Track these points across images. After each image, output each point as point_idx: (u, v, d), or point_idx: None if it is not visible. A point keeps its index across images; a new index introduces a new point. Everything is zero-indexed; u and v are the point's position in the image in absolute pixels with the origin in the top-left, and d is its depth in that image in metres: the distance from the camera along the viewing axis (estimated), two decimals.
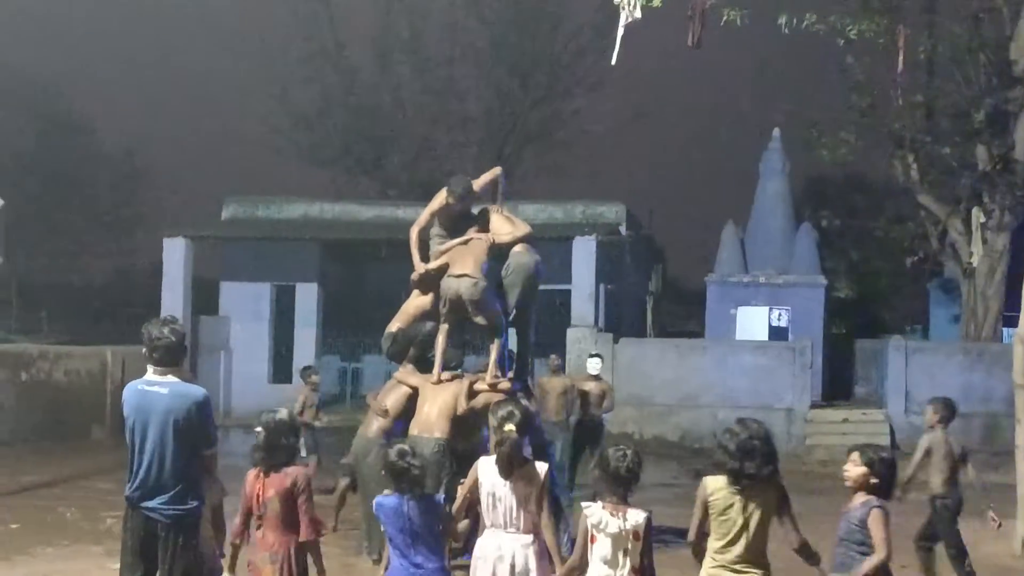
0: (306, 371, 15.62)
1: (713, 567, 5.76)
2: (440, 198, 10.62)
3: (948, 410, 10.19)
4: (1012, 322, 25.06)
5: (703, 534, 5.82)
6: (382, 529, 6.14)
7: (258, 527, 6.09)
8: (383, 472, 6.18)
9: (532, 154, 43.10)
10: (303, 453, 14.26)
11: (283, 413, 6.14)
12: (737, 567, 5.71)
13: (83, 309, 34.33)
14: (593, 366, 15.35)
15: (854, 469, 6.09)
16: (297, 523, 6.09)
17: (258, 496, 6.02)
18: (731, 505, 5.70)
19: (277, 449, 6.02)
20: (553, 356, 15.63)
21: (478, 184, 10.88)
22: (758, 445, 5.71)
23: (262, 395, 24.42)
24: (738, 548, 5.71)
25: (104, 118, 45.91)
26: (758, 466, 5.67)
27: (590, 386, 15.15)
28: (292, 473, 6.15)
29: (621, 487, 5.74)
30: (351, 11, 40.11)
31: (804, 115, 26.98)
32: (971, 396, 22.28)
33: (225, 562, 6.29)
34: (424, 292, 10.67)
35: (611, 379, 17.61)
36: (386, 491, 6.20)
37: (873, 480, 6.02)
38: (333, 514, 12.17)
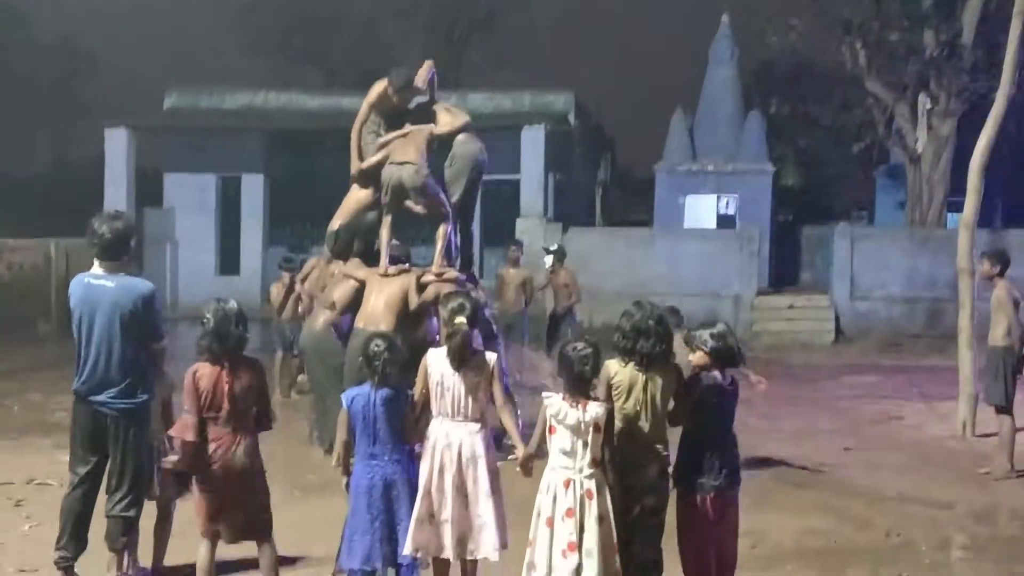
0: (282, 264, 14.99)
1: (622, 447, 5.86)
2: (378, 89, 10.45)
3: (1006, 259, 10.31)
4: (957, 207, 25.18)
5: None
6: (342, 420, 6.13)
7: (225, 421, 5.96)
8: (361, 361, 6.16)
9: (480, 42, 42.65)
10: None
11: (233, 303, 6.05)
12: (643, 444, 5.84)
13: (24, 202, 33.71)
14: (546, 262, 15.29)
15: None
16: (248, 417, 6.03)
17: (229, 389, 5.90)
18: (633, 384, 5.82)
19: (227, 337, 5.92)
20: (513, 247, 15.47)
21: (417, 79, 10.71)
22: (652, 325, 5.81)
23: (209, 287, 24.22)
24: (643, 425, 5.82)
25: (41, 6, 44.59)
26: (652, 345, 5.79)
27: (555, 278, 15.12)
28: (253, 364, 6.07)
29: (583, 385, 5.77)
30: None
31: (754, 1, 26.78)
32: (916, 282, 22.64)
33: (179, 463, 6.17)
34: (364, 187, 10.55)
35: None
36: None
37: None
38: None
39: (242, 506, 6.02)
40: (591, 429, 5.73)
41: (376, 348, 6.03)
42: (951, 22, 24.26)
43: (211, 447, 5.92)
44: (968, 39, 24.10)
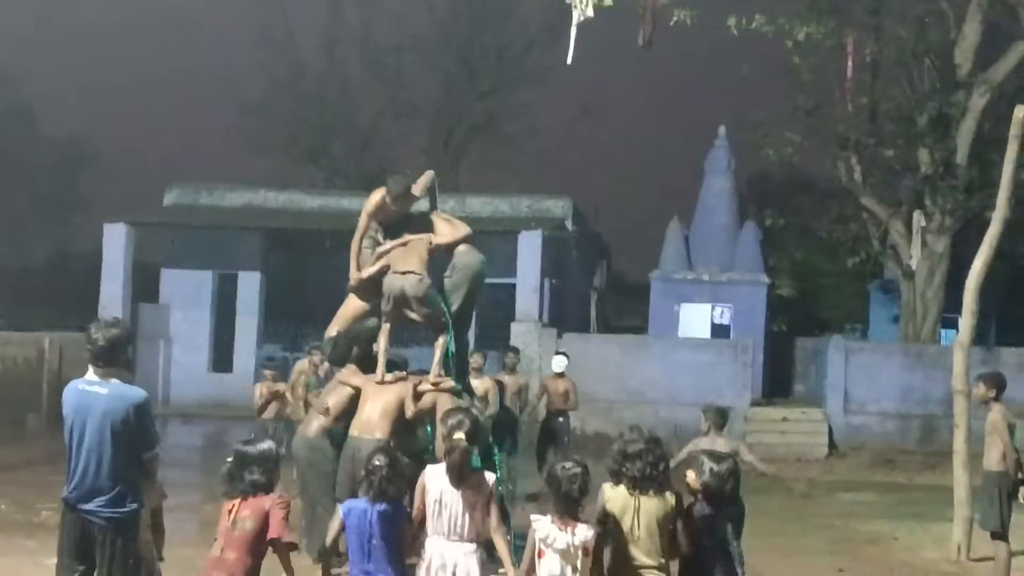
0: (264, 364, 15.04)
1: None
2: (376, 198, 10.49)
3: (1001, 383, 10.32)
4: (951, 324, 25.51)
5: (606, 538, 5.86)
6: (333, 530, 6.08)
7: (219, 542, 5.97)
8: (361, 474, 6.13)
9: (479, 146, 43.07)
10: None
11: (264, 446, 6.02)
12: (637, 569, 5.78)
13: (21, 294, 33.79)
14: (558, 364, 15.26)
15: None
16: (261, 548, 6.00)
17: (230, 512, 5.91)
18: (625, 508, 5.77)
19: (240, 482, 5.92)
20: (509, 353, 15.34)
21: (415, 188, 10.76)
22: (640, 449, 5.79)
23: (202, 384, 24.26)
24: (634, 550, 5.77)
25: (48, 102, 45.22)
26: (641, 469, 5.76)
27: (555, 384, 15.11)
28: (270, 499, 6.05)
29: (571, 506, 5.74)
30: None
31: (750, 114, 27.14)
32: (909, 397, 22.61)
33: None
34: (362, 297, 10.57)
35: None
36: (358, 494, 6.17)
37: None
38: None
39: None
40: (580, 553, 5.67)
41: (378, 463, 6.00)
42: (946, 141, 24.59)
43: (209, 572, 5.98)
44: (962, 158, 24.41)
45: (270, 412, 14.18)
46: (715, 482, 5.92)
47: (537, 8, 38.73)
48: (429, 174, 11.03)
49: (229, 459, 5.96)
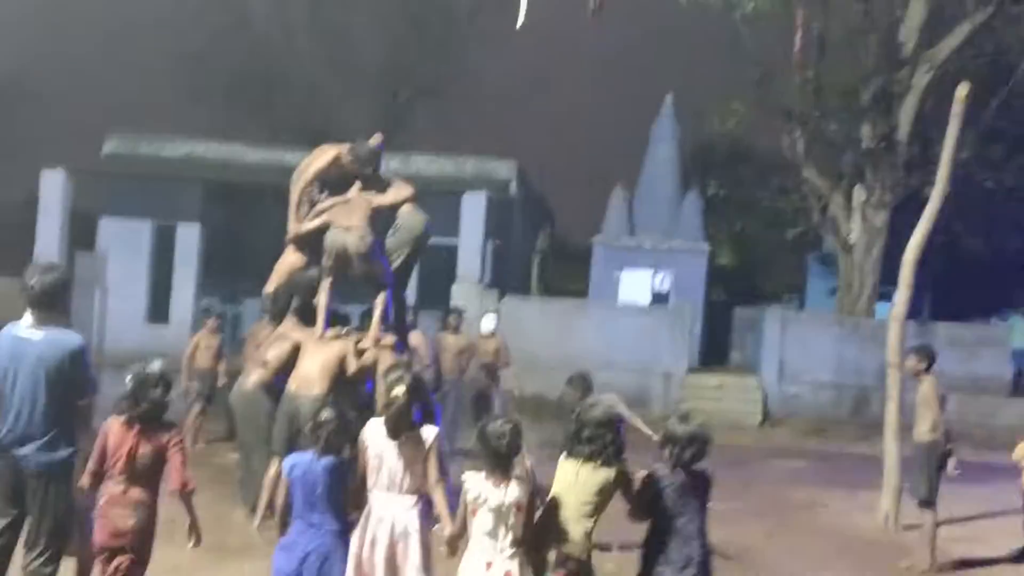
0: (205, 312, 15.44)
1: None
2: (330, 155, 10.40)
3: (932, 355, 10.48)
4: (887, 297, 25.80)
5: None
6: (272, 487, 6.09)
7: (119, 479, 5.93)
8: (308, 428, 6.11)
9: (425, 106, 42.79)
10: (185, 402, 14.17)
11: (156, 365, 5.99)
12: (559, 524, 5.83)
13: None
14: (487, 323, 15.19)
15: None
16: (159, 477, 5.98)
17: (130, 450, 5.86)
18: (567, 471, 5.83)
19: (143, 400, 5.88)
20: (453, 315, 15.25)
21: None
22: (592, 420, 5.85)
23: (138, 334, 24.00)
24: (564, 509, 5.82)
25: None
26: (597, 447, 5.81)
27: (485, 344, 15.09)
28: (168, 430, 6.03)
29: (502, 462, 5.74)
30: None
31: (697, 84, 27.24)
32: (843, 369, 22.92)
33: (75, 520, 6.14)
34: (299, 250, 10.50)
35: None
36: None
37: None
38: (208, 462, 12.03)
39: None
40: (512, 510, 5.69)
41: (325, 416, 5.99)
42: (888, 117, 24.80)
43: (100, 501, 5.92)
44: (904, 135, 24.65)
45: (204, 363, 14.33)
46: (674, 445, 5.94)
47: None
48: (379, 136, 10.96)
49: (128, 379, 5.89)
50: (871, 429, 18.60)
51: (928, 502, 10.42)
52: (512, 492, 5.69)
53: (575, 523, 5.80)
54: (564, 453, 5.91)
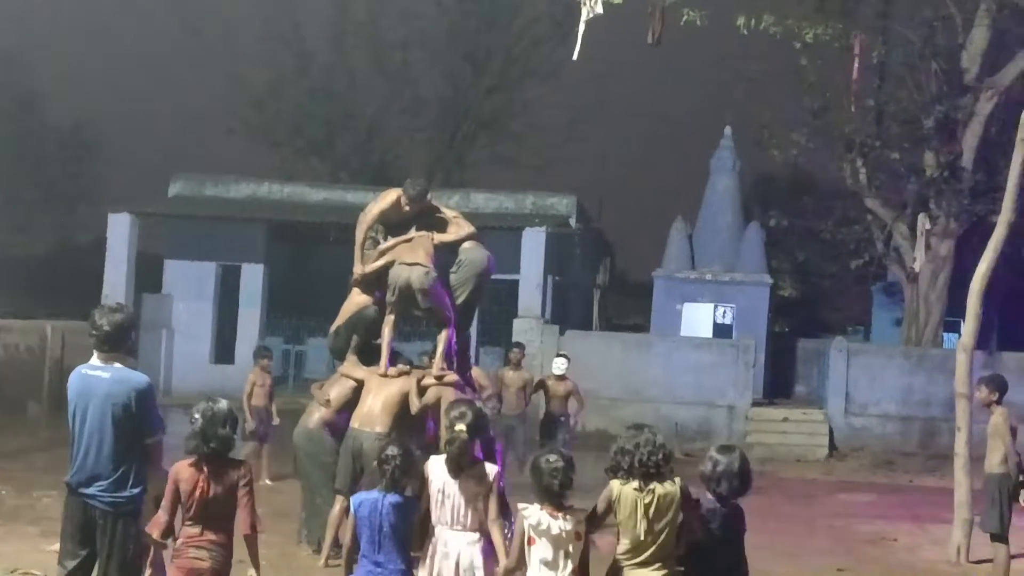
0: (259, 352, 15.63)
1: (621, 567, 5.73)
2: (391, 198, 10.49)
3: (1004, 386, 10.35)
4: (953, 328, 25.50)
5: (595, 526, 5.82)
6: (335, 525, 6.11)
7: (194, 521, 5.94)
8: (375, 464, 6.14)
9: (484, 142, 43.05)
10: (241, 440, 14.29)
11: (223, 404, 6.04)
12: (642, 568, 5.69)
13: (24, 283, 33.78)
14: (558, 366, 14.96)
15: None
16: (233, 517, 6.00)
17: (202, 493, 5.89)
18: (635, 504, 5.66)
19: (212, 438, 5.91)
20: (515, 349, 15.26)
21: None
22: (641, 441, 5.68)
23: (204, 375, 24.26)
24: (646, 544, 5.67)
25: (52, 90, 45.11)
26: (643, 462, 5.64)
27: (556, 386, 14.88)
28: (238, 468, 6.07)
29: (555, 498, 5.72)
30: None
31: (757, 115, 27.12)
32: (910, 400, 22.62)
33: (146, 560, 6.15)
34: (364, 291, 10.57)
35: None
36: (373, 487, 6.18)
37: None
38: (271, 500, 12.07)
39: None
40: (572, 538, 5.67)
41: (390, 453, 6.01)
42: (952, 145, 24.56)
43: (178, 543, 5.91)
44: (968, 162, 24.38)
45: (258, 401, 14.48)
46: (713, 474, 5.88)
47: (545, 4, 38.72)
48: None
49: (196, 416, 5.93)
50: (940, 461, 18.33)
51: (1000, 536, 10.24)
52: (570, 521, 5.68)
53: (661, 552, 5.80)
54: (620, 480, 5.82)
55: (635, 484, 5.68)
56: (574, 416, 15.13)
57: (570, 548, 5.68)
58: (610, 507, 5.74)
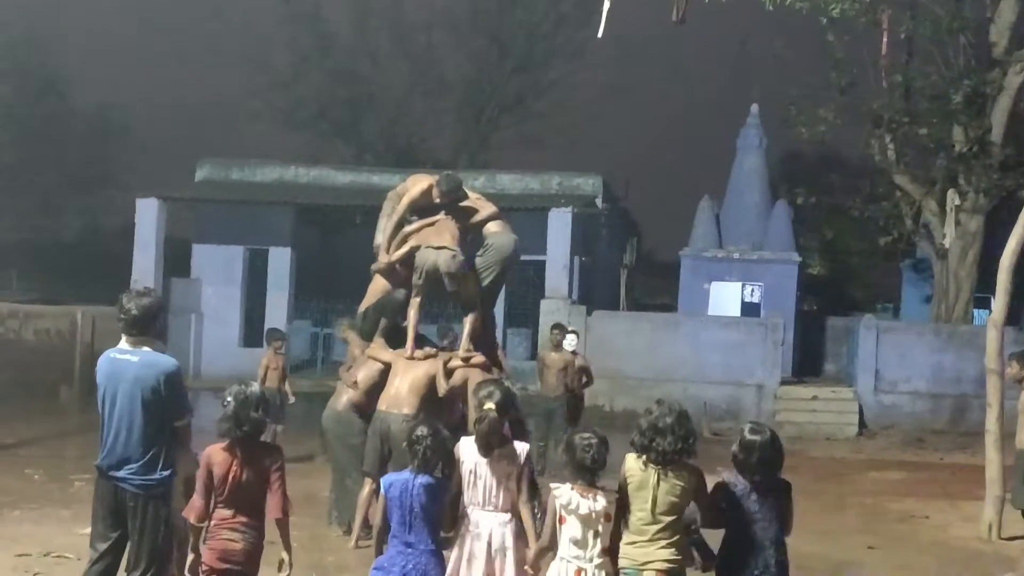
0: (271, 334, 15.64)
1: (628, 543, 5.77)
2: (423, 187, 10.46)
3: None
4: (983, 304, 25.33)
5: (624, 509, 5.83)
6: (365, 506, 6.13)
7: (223, 505, 5.97)
8: (404, 446, 6.15)
9: (509, 123, 43.03)
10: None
11: (255, 387, 6.06)
12: (651, 544, 5.72)
13: (53, 268, 34.01)
14: (569, 342, 14.77)
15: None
16: (264, 500, 6.01)
17: (235, 476, 5.91)
18: (645, 482, 5.70)
19: (245, 421, 5.92)
20: (555, 330, 14.93)
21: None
22: (670, 423, 5.70)
23: (233, 359, 24.34)
24: (653, 526, 5.71)
25: (78, 74, 45.21)
26: (669, 444, 5.66)
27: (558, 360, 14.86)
28: (270, 452, 6.09)
29: (587, 474, 5.78)
30: None
31: (783, 92, 26.96)
32: (941, 377, 22.49)
33: (187, 547, 6.18)
34: (386, 278, 10.57)
35: (584, 351, 17.42)
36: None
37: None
38: (299, 482, 12.11)
39: None
40: (602, 518, 5.73)
41: (420, 433, 6.02)
42: (981, 119, 24.33)
43: (211, 525, 5.93)
44: (997, 136, 24.16)
45: (271, 382, 14.51)
46: (742, 453, 5.88)
47: None
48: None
49: (229, 399, 5.94)
50: (971, 438, 18.21)
51: None
52: (601, 500, 5.73)
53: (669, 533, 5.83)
54: (636, 456, 5.85)
55: (650, 462, 5.71)
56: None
57: (599, 528, 5.73)
58: (625, 480, 5.78)
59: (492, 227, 10.44)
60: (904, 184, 26.04)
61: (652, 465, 5.71)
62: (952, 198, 24.85)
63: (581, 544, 5.71)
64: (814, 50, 25.76)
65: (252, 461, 5.94)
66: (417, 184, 10.53)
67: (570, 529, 5.74)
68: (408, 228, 10.38)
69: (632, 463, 5.78)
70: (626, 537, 5.79)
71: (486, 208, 10.57)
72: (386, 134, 41.86)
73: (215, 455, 5.93)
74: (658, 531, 5.71)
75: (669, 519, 5.73)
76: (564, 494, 5.75)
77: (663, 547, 5.71)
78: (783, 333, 23.97)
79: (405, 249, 10.24)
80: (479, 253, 10.40)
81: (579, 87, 42.16)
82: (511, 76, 41.78)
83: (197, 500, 5.94)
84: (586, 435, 5.85)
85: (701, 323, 24.99)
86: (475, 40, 41.50)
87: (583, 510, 5.69)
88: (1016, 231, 12.40)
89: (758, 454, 5.84)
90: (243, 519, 5.95)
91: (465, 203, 10.53)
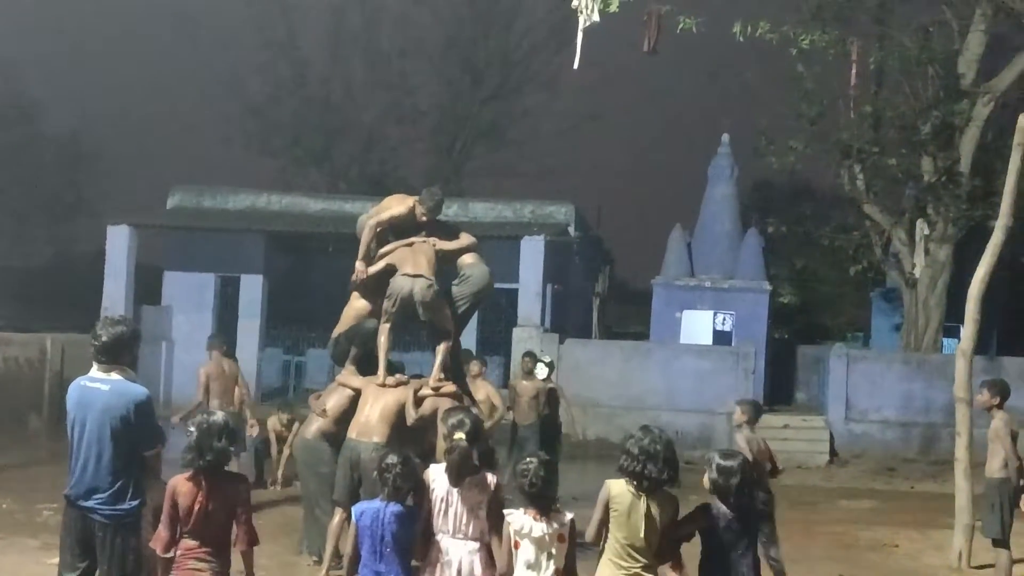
0: (210, 341, 14.62)
1: (611, 567, 5.79)
2: (406, 204, 10.49)
3: (1005, 390, 10.31)
4: (953, 333, 25.48)
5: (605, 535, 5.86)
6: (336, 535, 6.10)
7: (187, 535, 5.91)
8: (375, 475, 6.15)
9: (482, 151, 43.10)
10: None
11: (219, 416, 6.01)
12: (638, 570, 5.77)
13: (23, 295, 33.74)
14: (540, 372, 14.79)
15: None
16: (231, 529, 5.97)
17: (201, 507, 5.86)
18: (633, 508, 5.75)
19: (208, 451, 5.87)
20: (526, 358, 15.01)
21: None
22: (660, 450, 5.76)
23: None
24: (641, 551, 5.76)
25: (49, 101, 45.18)
26: (659, 470, 5.73)
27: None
28: (235, 482, 6.05)
29: (534, 500, 5.84)
30: (304, 1, 39.95)
31: (754, 122, 27.16)
32: (911, 406, 22.62)
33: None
34: (363, 295, 10.55)
35: (556, 380, 17.40)
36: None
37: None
38: (271, 511, 12.06)
39: None
40: (555, 540, 5.77)
41: (390, 462, 6.01)
42: (949, 150, 24.59)
43: (177, 555, 5.87)
44: (966, 167, 24.41)
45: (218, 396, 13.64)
46: (720, 479, 5.91)
47: (542, 13, 38.82)
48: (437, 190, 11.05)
49: (192, 429, 5.89)
50: (941, 467, 18.33)
51: (1002, 540, 10.23)
52: (555, 522, 5.79)
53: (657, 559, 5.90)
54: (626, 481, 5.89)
55: (633, 486, 5.76)
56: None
57: (553, 550, 5.78)
58: (607, 506, 5.80)
59: (468, 259, 10.46)
60: (873, 214, 26.24)
61: (639, 491, 5.75)
62: (921, 228, 25.08)
63: (535, 567, 5.77)
64: (784, 81, 25.94)
65: (218, 491, 5.89)
66: (401, 203, 10.56)
67: (524, 553, 5.79)
68: (385, 248, 10.39)
69: (620, 488, 5.80)
70: (608, 563, 5.80)
71: (465, 238, 10.60)
72: (359, 161, 41.85)
73: (180, 486, 5.88)
74: (643, 554, 5.76)
75: (654, 542, 5.78)
76: (517, 519, 5.81)
77: (645, 568, 5.77)
78: (754, 361, 24.04)
79: (380, 265, 10.25)
80: (455, 283, 10.42)
81: (552, 116, 42.33)
82: (484, 104, 41.90)
83: (163, 531, 5.88)
84: (527, 459, 5.91)
85: (673, 351, 25.04)
86: (449, 68, 41.63)
87: (536, 533, 5.76)
88: (984, 261, 12.53)
89: (737, 477, 5.88)
90: (209, 549, 5.91)
91: (447, 225, 10.59)
